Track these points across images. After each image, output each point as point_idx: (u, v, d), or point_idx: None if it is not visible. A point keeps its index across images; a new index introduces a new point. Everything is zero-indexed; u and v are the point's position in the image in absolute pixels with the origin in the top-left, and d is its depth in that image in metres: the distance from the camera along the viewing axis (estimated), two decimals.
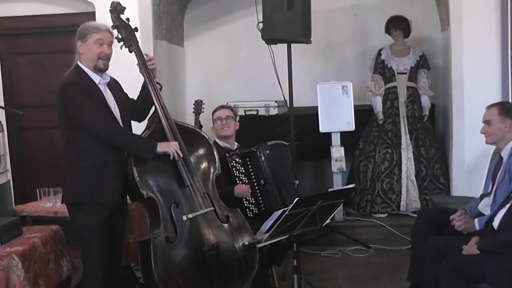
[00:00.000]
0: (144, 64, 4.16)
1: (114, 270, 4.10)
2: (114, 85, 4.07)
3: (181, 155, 4.03)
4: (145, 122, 4.32)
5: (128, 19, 4.25)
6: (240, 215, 4.34)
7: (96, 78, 3.92)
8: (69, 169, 3.92)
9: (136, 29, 4.26)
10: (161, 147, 3.96)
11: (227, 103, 5.92)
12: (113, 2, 4.25)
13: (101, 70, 3.95)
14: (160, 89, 4.25)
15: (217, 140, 4.97)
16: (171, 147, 3.99)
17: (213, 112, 5.06)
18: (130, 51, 4.22)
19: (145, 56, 4.19)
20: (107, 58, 3.96)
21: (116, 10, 4.22)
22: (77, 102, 3.79)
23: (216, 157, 4.36)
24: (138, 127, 4.27)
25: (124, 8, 4.25)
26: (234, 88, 7.35)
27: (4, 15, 6.43)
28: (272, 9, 5.37)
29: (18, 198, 5.73)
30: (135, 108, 4.21)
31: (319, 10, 6.57)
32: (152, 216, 4.07)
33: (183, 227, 4.02)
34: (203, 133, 4.45)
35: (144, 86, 4.19)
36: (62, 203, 4.09)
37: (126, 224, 4.29)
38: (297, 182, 5.23)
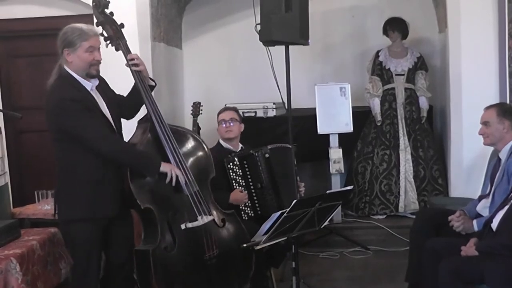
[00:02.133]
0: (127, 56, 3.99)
1: (122, 274, 4.01)
2: (101, 84, 3.90)
3: (182, 180, 3.93)
4: (135, 120, 4.19)
5: (112, 13, 4.05)
6: (235, 217, 4.33)
7: (88, 85, 3.75)
8: (64, 183, 3.77)
9: (122, 25, 4.05)
10: (164, 168, 3.85)
11: (225, 105, 5.90)
12: None
13: (93, 76, 3.79)
14: (154, 87, 4.10)
15: (221, 141, 4.98)
16: (173, 171, 3.87)
17: (218, 113, 5.05)
18: (117, 50, 4.03)
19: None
20: (99, 63, 3.81)
21: (101, 4, 3.98)
22: (77, 120, 3.62)
23: (211, 159, 4.30)
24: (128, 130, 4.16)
25: (109, 2, 4.02)
26: (232, 90, 7.35)
27: (3, 18, 6.42)
28: (269, 11, 5.35)
29: (16, 200, 5.70)
30: (125, 105, 4.04)
31: (317, 12, 6.58)
32: (149, 225, 3.98)
33: (181, 236, 3.97)
34: (196, 136, 4.36)
35: (135, 87, 4.03)
36: (54, 216, 3.92)
37: (132, 228, 4.12)
38: (303, 184, 5.17)
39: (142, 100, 4.01)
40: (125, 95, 4.11)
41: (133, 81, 4.04)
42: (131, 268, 3.99)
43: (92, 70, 3.76)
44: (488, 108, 4.46)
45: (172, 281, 3.93)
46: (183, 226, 3.97)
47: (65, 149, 3.73)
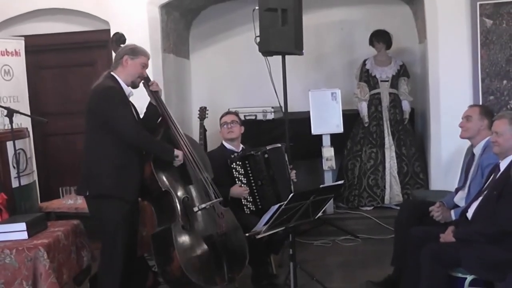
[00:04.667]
0: (147, 83, 4.25)
1: (132, 262, 4.09)
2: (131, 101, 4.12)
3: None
4: None
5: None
6: (230, 213, 4.40)
7: (127, 90, 4.01)
8: (95, 166, 3.93)
9: None
10: (177, 152, 4.07)
11: (229, 109, 5.92)
12: (117, 33, 4.37)
13: (135, 87, 4.06)
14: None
15: (224, 143, 4.98)
16: (183, 155, 4.11)
17: (220, 118, 5.06)
18: None
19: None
20: (143, 79, 4.11)
21: (120, 40, 4.33)
22: (114, 106, 3.85)
23: (209, 163, 4.43)
24: None
25: (125, 39, 4.35)
26: (235, 96, 7.35)
27: (30, 33, 6.44)
28: (268, 24, 5.37)
29: (43, 196, 5.72)
30: (144, 124, 4.19)
31: (310, 25, 6.57)
32: (165, 210, 4.09)
33: (194, 217, 4.09)
34: (199, 143, 4.58)
35: (149, 106, 4.26)
36: (79, 194, 4.11)
37: (139, 220, 4.30)
38: (294, 171, 5.20)
39: (157, 119, 4.25)
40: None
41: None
42: (136, 249, 4.18)
43: (137, 81, 4.07)
44: (472, 105, 4.54)
45: (189, 253, 3.97)
46: (195, 209, 4.09)
47: (99, 136, 3.92)
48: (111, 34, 4.40)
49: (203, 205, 4.12)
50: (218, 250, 4.08)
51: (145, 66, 4.09)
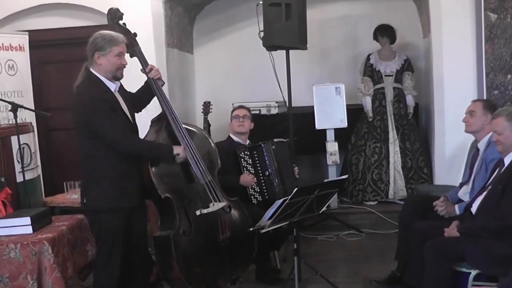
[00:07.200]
0: (146, 68, 3.98)
1: (139, 253, 3.98)
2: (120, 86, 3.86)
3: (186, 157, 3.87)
4: (148, 121, 4.16)
5: (125, 24, 4.02)
6: (239, 204, 4.33)
7: (112, 86, 3.72)
8: (92, 178, 3.72)
9: (135, 34, 4.03)
10: (176, 150, 3.82)
11: (233, 104, 5.92)
12: (111, 9, 3.99)
13: (118, 79, 3.77)
14: (162, 85, 4.05)
15: (231, 135, 5.01)
16: (184, 152, 3.86)
17: (233, 110, 5.07)
18: (132, 56, 4.00)
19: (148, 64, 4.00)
20: (124, 67, 3.77)
21: (116, 16, 3.97)
22: (102, 120, 3.59)
23: (217, 153, 4.29)
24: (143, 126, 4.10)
25: (122, 14, 4.00)
26: (239, 90, 7.34)
27: (34, 28, 6.43)
28: (272, 19, 5.37)
29: (47, 190, 5.73)
30: (136, 101, 3.98)
31: (314, 20, 6.56)
32: (166, 213, 3.97)
33: (197, 222, 3.96)
34: (204, 133, 4.38)
35: (146, 86, 4.01)
36: (82, 206, 3.88)
37: (146, 219, 4.10)
38: (296, 168, 5.22)
39: (151, 98, 4.02)
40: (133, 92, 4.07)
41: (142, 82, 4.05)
42: (147, 248, 3.96)
43: (118, 73, 3.73)
44: (475, 100, 4.53)
45: (190, 261, 3.91)
46: (198, 213, 3.95)
47: (92, 146, 3.68)
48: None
49: (205, 211, 3.96)
50: (222, 253, 4.05)
51: (122, 54, 3.69)
